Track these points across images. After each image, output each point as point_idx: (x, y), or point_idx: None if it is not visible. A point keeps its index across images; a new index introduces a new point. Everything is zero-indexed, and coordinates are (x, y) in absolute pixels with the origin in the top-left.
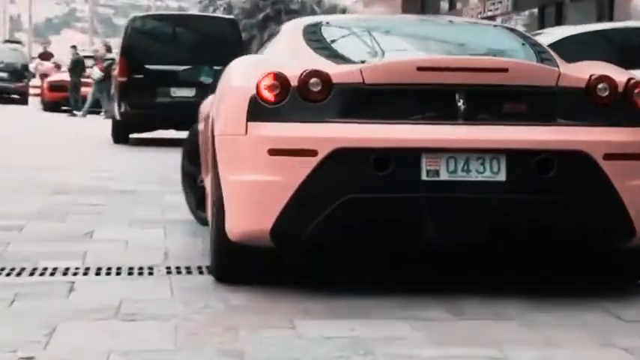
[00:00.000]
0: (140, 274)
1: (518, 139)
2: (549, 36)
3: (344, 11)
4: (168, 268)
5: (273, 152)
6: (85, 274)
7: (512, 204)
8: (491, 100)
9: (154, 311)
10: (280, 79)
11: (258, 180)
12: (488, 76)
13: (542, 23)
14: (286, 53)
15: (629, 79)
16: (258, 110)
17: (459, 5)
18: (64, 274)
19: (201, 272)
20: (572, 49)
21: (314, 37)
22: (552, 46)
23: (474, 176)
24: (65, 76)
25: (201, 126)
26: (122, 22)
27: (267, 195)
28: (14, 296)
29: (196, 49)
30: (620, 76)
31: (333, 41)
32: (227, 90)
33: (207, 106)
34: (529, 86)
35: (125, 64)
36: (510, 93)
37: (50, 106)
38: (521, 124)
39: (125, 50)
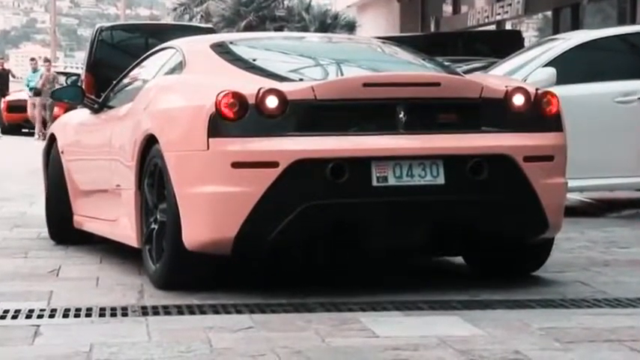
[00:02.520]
0: (113, 315)
1: (453, 146)
2: (566, 41)
3: (336, 17)
4: (144, 308)
5: (237, 165)
6: (52, 316)
7: (451, 205)
8: (427, 111)
9: (129, 357)
10: (238, 98)
11: (221, 191)
12: (424, 90)
13: (556, 27)
14: (214, 73)
15: (537, 90)
16: (218, 127)
17: (464, 9)
18: (28, 316)
19: (180, 312)
20: (591, 56)
21: (233, 57)
22: (570, 52)
23: (417, 180)
24: (24, 95)
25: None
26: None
27: (230, 205)
28: None
29: None
30: (530, 87)
31: (255, 60)
32: (176, 110)
33: (100, 123)
34: (458, 98)
35: (92, 80)
36: (443, 105)
37: (9, 129)
38: (454, 132)
39: (91, 65)
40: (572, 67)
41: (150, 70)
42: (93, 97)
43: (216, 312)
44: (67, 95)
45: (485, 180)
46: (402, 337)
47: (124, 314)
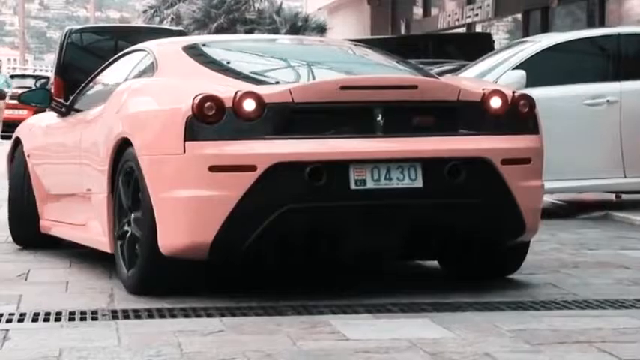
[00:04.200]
0: (83, 319)
1: (430, 149)
2: (535, 44)
3: (306, 20)
4: (114, 311)
5: (214, 169)
6: (21, 320)
7: (429, 208)
8: (405, 114)
9: None
10: (215, 101)
11: (198, 195)
12: (401, 92)
13: (526, 30)
14: (188, 75)
15: (514, 92)
16: (195, 130)
17: (434, 11)
18: None
19: (151, 315)
20: (560, 59)
21: (206, 60)
22: (539, 55)
23: (395, 184)
24: None
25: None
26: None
27: (208, 209)
28: None
29: None
30: (507, 89)
31: (228, 62)
32: (150, 113)
33: (66, 126)
34: (435, 101)
35: (61, 83)
36: (420, 107)
37: None
38: (432, 135)
39: (61, 68)
40: (541, 69)
41: (120, 73)
42: (61, 100)
43: (187, 315)
44: (35, 98)
45: (463, 183)
46: (372, 340)
47: (94, 318)
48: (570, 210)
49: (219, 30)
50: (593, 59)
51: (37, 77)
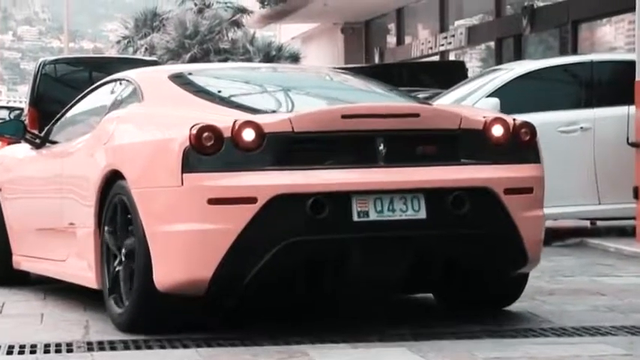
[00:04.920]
0: (58, 351)
1: (433, 179)
2: (509, 72)
3: (280, 49)
4: (89, 343)
5: (213, 201)
6: None
7: (432, 239)
8: (407, 143)
9: None
10: (213, 131)
11: (196, 229)
12: (403, 121)
13: (499, 58)
14: (178, 105)
15: (515, 120)
16: (193, 161)
17: (407, 40)
18: None
19: (127, 347)
20: (534, 86)
21: (195, 88)
22: (513, 82)
23: (398, 215)
24: None
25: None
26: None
27: (207, 243)
28: None
29: None
30: (508, 117)
31: (219, 91)
32: (144, 144)
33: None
34: (437, 129)
35: (35, 115)
36: (422, 136)
37: None
38: (434, 165)
39: (35, 99)
40: (515, 97)
41: (100, 103)
42: (35, 131)
43: (162, 347)
44: (8, 130)
45: (467, 213)
46: None
47: (69, 350)
48: (546, 237)
49: (193, 60)
50: (567, 86)
51: (10, 109)
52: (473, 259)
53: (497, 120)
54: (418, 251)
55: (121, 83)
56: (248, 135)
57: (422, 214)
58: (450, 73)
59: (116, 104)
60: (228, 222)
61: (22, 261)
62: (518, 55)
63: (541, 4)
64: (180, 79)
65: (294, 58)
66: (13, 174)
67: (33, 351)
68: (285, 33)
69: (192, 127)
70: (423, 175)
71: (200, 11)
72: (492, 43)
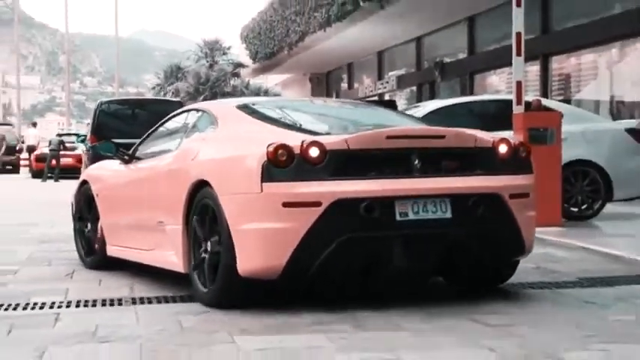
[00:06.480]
0: (111, 304)
1: (457, 186)
2: (425, 107)
3: (266, 92)
4: (133, 299)
5: (287, 205)
6: (68, 306)
7: (457, 234)
8: (436, 158)
9: (123, 334)
10: (286, 148)
11: (273, 227)
12: (433, 141)
13: (419, 97)
14: (250, 129)
15: (514, 140)
16: (270, 173)
17: (356, 85)
18: (51, 307)
19: (159, 301)
20: (443, 117)
21: (260, 116)
22: (429, 114)
23: (430, 215)
24: (46, 150)
25: (103, 189)
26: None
27: (281, 238)
28: (10, 327)
29: (151, 125)
30: (510, 138)
31: (280, 118)
32: (228, 159)
33: (136, 171)
34: (458, 147)
35: (95, 139)
36: (447, 153)
37: (37, 174)
38: (457, 175)
39: (94, 129)
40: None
41: (176, 129)
42: (124, 150)
43: (184, 301)
44: (105, 149)
45: (482, 214)
46: None
47: (119, 304)
48: None
49: (205, 100)
50: (467, 118)
51: (78, 135)
52: (485, 249)
53: (502, 140)
54: (445, 243)
55: (196, 112)
56: (314, 152)
57: (448, 215)
58: (387, 109)
59: (194, 129)
60: (299, 221)
61: (114, 250)
62: (432, 96)
63: (448, 60)
64: (246, 109)
65: None
66: (107, 183)
67: (94, 304)
68: (270, 80)
69: (269, 145)
70: (449, 183)
71: (210, 66)
72: (414, 88)
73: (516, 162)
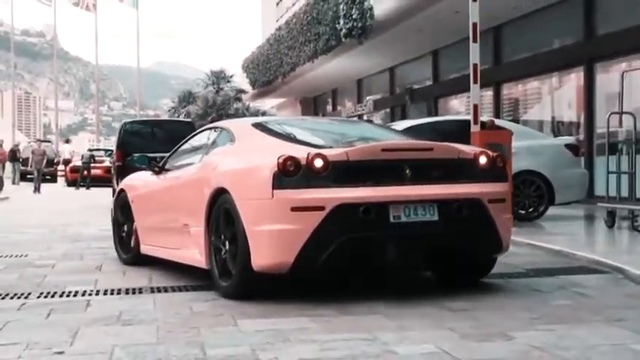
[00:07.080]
0: (133, 293)
1: (443, 193)
2: (398, 126)
3: (264, 114)
4: (152, 288)
5: (295, 209)
6: (97, 294)
7: (443, 235)
8: (425, 168)
9: (143, 317)
10: (293, 160)
11: (283, 228)
12: (422, 153)
13: (393, 118)
14: (263, 144)
15: (492, 152)
16: (280, 181)
17: (339, 107)
18: (83, 295)
19: (174, 290)
20: (413, 135)
21: (272, 132)
22: (402, 132)
23: (420, 218)
24: (79, 162)
25: (137, 195)
26: (118, 125)
27: (290, 238)
28: (49, 311)
29: (166, 142)
30: (488, 151)
31: (290, 134)
32: (244, 169)
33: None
34: (444, 159)
35: (120, 154)
36: (435, 164)
37: (71, 183)
38: (443, 183)
39: (120, 144)
40: None
41: (200, 144)
42: (155, 162)
43: (195, 289)
44: (139, 162)
45: (465, 216)
46: None
47: (140, 292)
48: None
49: (212, 121)
50: (432, 135)
51: (106, 150)
52: (467, 247)
53: (482, 152)
54: (433, 242)
55: (215, 130)
56: (318, 163)
57: (435, 217)
58: None
59: (214, 144)
60: (305, 223)
61: (146, 249)
62: (404, 117)
63: (416, 87)
64: (260, 127)
65: None
66: (140, 191)
67: (119, 293)
68: (267, 104)
69: (279, 157)
70: (436, 190)
71: (217, 92)
72: (388, 110)
73: (494, 172)
